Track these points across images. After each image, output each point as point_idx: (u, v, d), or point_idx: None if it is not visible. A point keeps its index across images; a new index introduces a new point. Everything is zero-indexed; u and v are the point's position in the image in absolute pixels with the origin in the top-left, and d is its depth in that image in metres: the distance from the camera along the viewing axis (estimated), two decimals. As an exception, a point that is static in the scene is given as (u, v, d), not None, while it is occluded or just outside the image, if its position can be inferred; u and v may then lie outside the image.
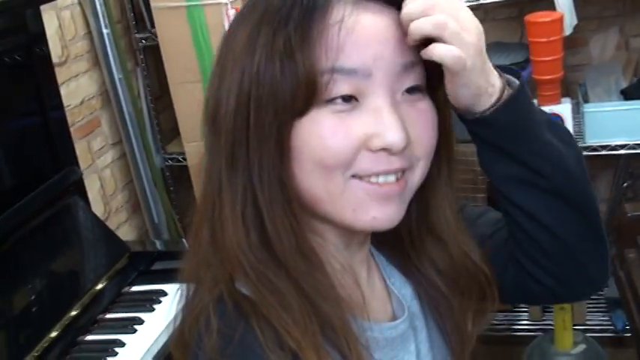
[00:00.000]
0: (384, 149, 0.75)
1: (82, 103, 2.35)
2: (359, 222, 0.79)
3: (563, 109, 2.13)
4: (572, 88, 2.56)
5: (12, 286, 1.59)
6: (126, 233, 2.50)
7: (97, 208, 2.39)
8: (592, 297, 2.54)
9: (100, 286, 1.75)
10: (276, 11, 0.75)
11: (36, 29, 1.78)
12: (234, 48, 0.78)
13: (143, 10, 2.49)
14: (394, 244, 0.92)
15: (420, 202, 0.87)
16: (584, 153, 2.26)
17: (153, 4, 2.35)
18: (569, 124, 2.14)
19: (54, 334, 1.58)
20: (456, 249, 0.90)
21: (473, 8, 0.85)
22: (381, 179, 0.78)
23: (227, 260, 0.78)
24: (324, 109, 0.75)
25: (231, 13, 2.32)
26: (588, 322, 2.55)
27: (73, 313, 1.66)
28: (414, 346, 0.90)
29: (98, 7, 2.35)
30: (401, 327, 0.89)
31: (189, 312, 0.81)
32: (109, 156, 2.48)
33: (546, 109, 2.13)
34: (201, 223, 0.81)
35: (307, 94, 0.74)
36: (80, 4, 2.36)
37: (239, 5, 2.32)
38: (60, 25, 2.27)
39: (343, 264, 0.84)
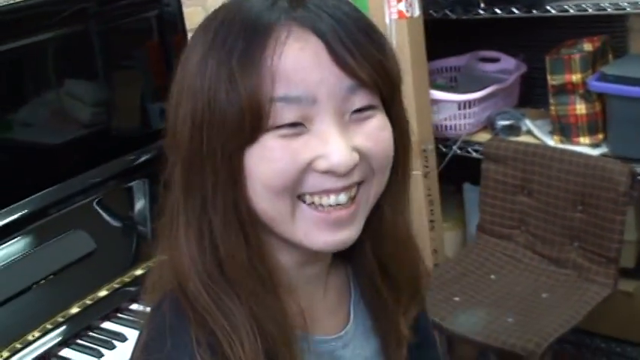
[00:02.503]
0: (329, 171, 0.79)
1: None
2: (312, 245, 0.83)
3: None
4: None
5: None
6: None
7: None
8: None
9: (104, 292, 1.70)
10: (221, 41, 0.79)
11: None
12: (188, 73, 0.82)
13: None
14: None
15: (375, 213, 0.89)
16: None
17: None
18: None
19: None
20: (404, 254, 0.94)
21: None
22: (332, 200, 0.80)
23: (180, 278, 0.83)
24: (272, 134, 0.78)
25: (393, -1, 2.35)
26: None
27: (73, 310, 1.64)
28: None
29: None
30: (331, 344, 0.93)
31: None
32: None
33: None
34: (160, 241, 0.87)
35: (253, 123, 0.77)
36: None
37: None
38: None
39: (292, 282, 0.87)
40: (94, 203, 1.84)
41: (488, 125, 2.60)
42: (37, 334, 1.53)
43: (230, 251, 0.81)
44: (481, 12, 2.44)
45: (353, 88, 0.79)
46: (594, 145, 2.36)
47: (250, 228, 0.82)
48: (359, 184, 0.82)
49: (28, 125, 1.86)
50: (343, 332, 0.94)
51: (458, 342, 2.48)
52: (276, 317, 0.82)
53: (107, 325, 1.64)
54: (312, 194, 0.80)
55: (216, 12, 0.83)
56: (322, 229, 0.81)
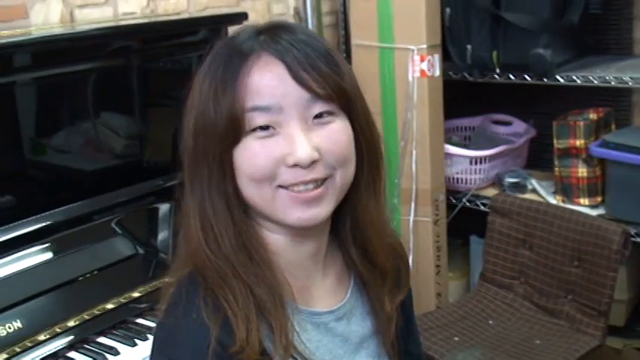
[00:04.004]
0: (296, 164, 1.00)
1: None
2: (288, 221, 1.04)
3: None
4: None
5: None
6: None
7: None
8: None
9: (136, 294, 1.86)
10: (213, 66, 1.05)
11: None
12: (193, 93, 1.06)
13: (342, 46, 2.83)
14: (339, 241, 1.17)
15: (350, 203, 1.11)
16: None
17: (353, 41, 2.68)
18: None
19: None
20: (380, 240, 1.15)
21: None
22: (301, 188, 1.02)
23: (192, 255, 1.06)
24: (250, 137, 1.01)
25: (417, 58, 2.57)
26: None
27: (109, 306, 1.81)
28: (342, 333, 1.14)
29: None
30: (325, 317, 1.12)
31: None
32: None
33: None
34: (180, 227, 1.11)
35: (234, 128, 1.01)
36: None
37: (424, 53, 2.56)
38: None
39: (291, 259, 1.10)
40: (114, 222, 1.98)
41: (497, 182, 2.80)
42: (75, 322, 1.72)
43: (220, 232, 1.04)
44: (496, 76, 2.66)
45: (311, 99, 1.01)
46: (593, 207, 2.55)
47: (237, 212, 1.04)
48: (325, 179, 1.03)
49: (63, 152, 1.99)
50: (335, 308, 1.13)
51: (454, 378, 2.63)
52: (268, 287, 1.02)
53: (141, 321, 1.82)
54: (286, 186, 1.01)
55: (217, 45, 1.08)
56: (296, 207, 1.02)
